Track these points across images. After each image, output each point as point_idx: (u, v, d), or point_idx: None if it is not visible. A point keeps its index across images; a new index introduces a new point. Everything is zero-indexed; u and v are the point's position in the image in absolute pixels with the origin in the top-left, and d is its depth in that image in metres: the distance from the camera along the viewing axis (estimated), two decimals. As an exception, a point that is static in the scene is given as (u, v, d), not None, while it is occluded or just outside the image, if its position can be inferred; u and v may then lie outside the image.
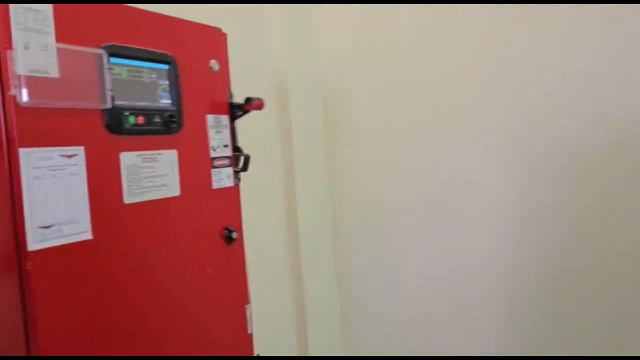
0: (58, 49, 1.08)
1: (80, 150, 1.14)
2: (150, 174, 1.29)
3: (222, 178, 1.52)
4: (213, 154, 1.49)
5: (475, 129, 2.41)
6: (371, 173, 2.75)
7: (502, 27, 2.31)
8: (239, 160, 1.60)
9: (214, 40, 1.52)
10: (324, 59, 2.79)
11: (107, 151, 1.20)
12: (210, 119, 1.48)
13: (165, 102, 1.35)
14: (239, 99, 1.59)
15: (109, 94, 1.18)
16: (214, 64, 1.49)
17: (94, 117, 1.17)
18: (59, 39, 1.09)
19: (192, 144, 1.42)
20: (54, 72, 1.07)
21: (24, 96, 1.02)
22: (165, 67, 1.35)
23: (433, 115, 2.52)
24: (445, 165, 2.51)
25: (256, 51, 2.46)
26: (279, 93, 2.60)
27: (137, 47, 1.27)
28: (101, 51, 1.17)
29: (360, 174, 2.78)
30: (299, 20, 2.69)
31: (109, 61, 1.19)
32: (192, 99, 1.42)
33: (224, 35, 1.55)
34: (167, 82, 1.35)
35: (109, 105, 1.18)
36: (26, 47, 1.02)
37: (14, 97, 1.01)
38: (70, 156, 1.12)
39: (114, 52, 1.21)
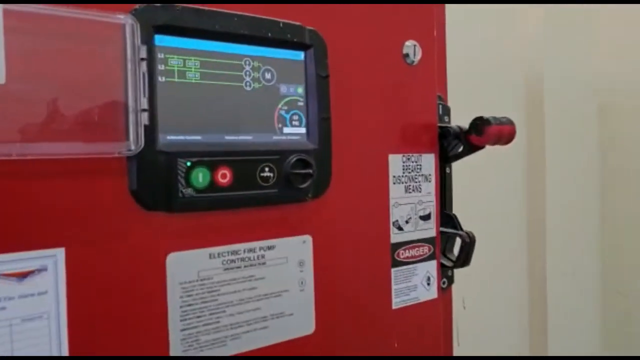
0: (6, 12, 0.43)
1: (52, 260, 0.47)
2: (244, 297, 0.58)
3: (414, 285, 0.73)
4: (397, 236, 0.71)
5: None
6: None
7: None
8: (450, 243, 0.80)
9: (409, 8, 0.74)
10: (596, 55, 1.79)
11: (133, 250, 0.51)
12: (395, 163, 0.71)
13: (293, 132, 0.62)
14: (457, 119, 0.79)
15: (142, 118, 0.49)
16: (411, 48, 0.72)
17: (102, 176, 0.50)
18: (7, -13, 0.43)
19: (348, 220, 0.67)
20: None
21: None
22: (299, 55, 0.62)
23: None
24: None
25: (483, 39, 1.59)
26: (526, 104, 1.70)
27: (228, 12, 0.56)
28: (130, 20, 0.49)
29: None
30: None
31: (151, 42, 0.51)
32: (354, 122, 0.67)
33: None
34: (299, 89, 0.62)
35: (140, 145, 0.49)
36: None
37: None
38: (23, 274, 0.46)
39: (165, 25, 0.52)
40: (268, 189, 0.58)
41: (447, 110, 0.80)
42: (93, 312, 0.49)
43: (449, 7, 0.84)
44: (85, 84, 0.47)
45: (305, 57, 0.62)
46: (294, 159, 0.60)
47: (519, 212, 1.73)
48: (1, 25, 0.44)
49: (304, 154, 0.60)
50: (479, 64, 1.51)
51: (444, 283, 0.80)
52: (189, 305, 0.54)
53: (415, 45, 0.72)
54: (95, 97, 0.48)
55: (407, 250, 0.73)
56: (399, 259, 0.72)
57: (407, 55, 0.71)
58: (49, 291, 0.47)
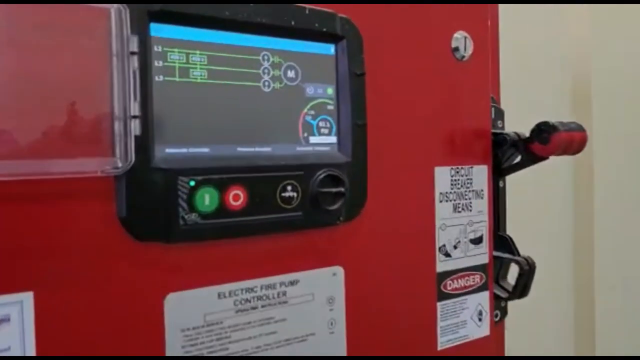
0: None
1: (16, 308, 0.37)
2: (261, 345, 0.47)
3: (462, 321, 0.62)
4: (444, 264, 0.60)
5: None
6: None
7: None
8: (505, 270, 0.68)
9: (464, -15, 0.62)
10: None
11: (122, 292, 0.41)
12: (442, 177, 0.60)
13: (321, 142, 0.51)
14: (512, 124, 0.68)
15: (133, 127, 0.39)
16: (462, 41, 0.60)
17: (83, 200, 0.39)
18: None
19: (387, 246, 0.56)
20: None
21: None
22: (329, 49, 0.51)
23: None
24: None
25: (528, 38, 1.46)
26: (574, 106, 1.56)
27: (242, -7, 0.46)
28: (117, 5, 0.39)
29: None
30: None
31: (145, 32, 0.41)
32: (394, 128, 0.56)
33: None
34: (329, 90, 0.51)
35: (129, 161, 0.39)
36: None
37: None
38: (-21, 327, 0.36)
39: (164, 10, 0.41)
40: (291, 211, 0.48)
41: (500, 114, 0.69)
42: (71, 371, 0.39)
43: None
44: (64, 87, 0.37)
45: (337, 51, 0.51)
46: (323, 174, 0.49)
47: (565, 224, 1.59)
48: (-51, 9, 0.34)
49: (334, 169, 0.50)
50: (525, 64, 1.38)
51: (496, 316, 0.68)
52: (194, 356, 0.44)
53: (466, 38, 0.60)
54: (75, 103, 0.38)
55: (455, 281, 0.61)
56: (445, 291, 0.60)
57: (456, 49, 0.60)
58: (12, 348, 0.37)
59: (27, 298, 0.38)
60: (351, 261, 0.53)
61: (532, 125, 0.62)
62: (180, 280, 0.44)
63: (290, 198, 0.47)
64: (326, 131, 0.51)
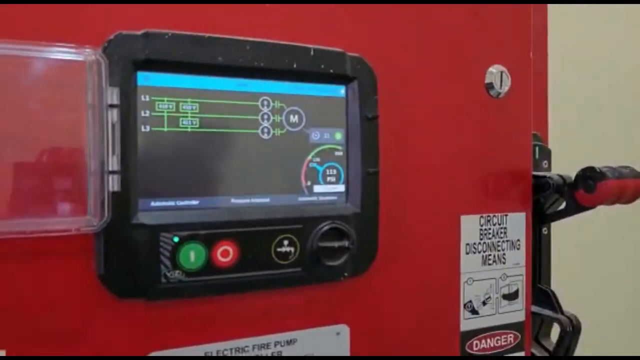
0: None
1: (-15, 367, 0.37)
2: (249, 408, 0.44)
3: (489, 386, 0.56)
4: (469, 322, 0.54)
5: None
6: None
7: None
8: (547, 327, 0.61)
9: (495, 19, 0.56)
10: None
11: (101, 352, 0.40)
12: (469, 226, 0.54)
13: (327, 191, 0.47)
14: (557, 165, 0.61)
15: (111, 182, 0.38)
16: (497, 76, 0.54)
17: (60, 258, 0.38)
18: None
19: (401, 303, 0.51)
20: None
21: None
22: (337, 91, 0.47)
23: None
24: None
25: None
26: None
27: (237, 38, 0.43)
28: (92, 56, 0.37)
29: None
30: None
31: (130, 82, 0.39)
32: (413, 173, 0.51)
33: (528, 10, 0.58)
34: (337, 135, 0.48)
35: (105, 219, 0.38)
36: None
37: None
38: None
39: (150, 59, 0.39)
40: (287, 267, 0.44)
41: (546, 154, 0.62)
42: None
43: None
44: (37, 142, 0.36)
45: (347, 92, 0.48)
46: (325, 227, 0.45)
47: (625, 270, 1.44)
48: None
49: (339, 221, 0.46)
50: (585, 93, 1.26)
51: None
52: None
53: (502, 72, 0.55)
54: (50, 158, 0.37)
55: (483, 341, 0.55)
56: (471, 352, 0.55)
57: (490, 85, 0.54)
58: (-16, 406, 0.37)
59: None
60: (358, 319, 0.49)
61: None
62: (164, 339, 0.42)
63: (287, 253, 0.44)
64: (333, 179, 0.47)
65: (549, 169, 0.62)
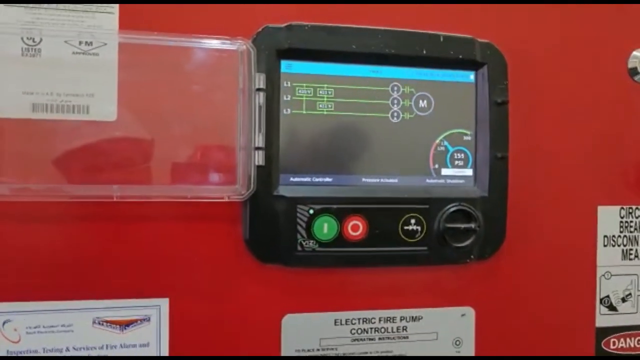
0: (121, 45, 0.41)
1: (155, 310, 0.43)
2: (374, 376, 0.47)
3: (629, 388, 0.52)
4: (606, 319, 0.52)
5: None
6: None
7: None
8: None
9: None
10: None
11: (244, 307, 0.45)
12: (607, 218, 0.52)
13: (455, 174, 0.48)
14: None
15: (256, 157, 0.43)
16: (642, 60, 0.52)
17: (213, 222, 0.44)
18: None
19: (530, 291, 0.50)
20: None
21: None
22: (467, 76, 0.49)
23: None
24: None
25: None
26: None
27: (369, 27, 0.46)
28: (244, 46, 0.43)
29: None
30: None
31: (275, 70, 0.44)
32: (546, 161, 0.50)
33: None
34: (466, 120, 0.49)
35: (251, 189, 0.43)
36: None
37: None
38: (125, 323, 0.43)
39: (291, 48, 0.44)
40: (414, 245, 0.46)
41: (702, 145, 0.57)
42: (195, 373, 0.44)
43: None
44: (197, 120, 0.42)
45: (477, 78, 0.48)
46: (452, 209, 0.47)
47: None
48: (115, 60, 0.41)
49: (466, 204, 0.47)
50: None
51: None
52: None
53: (649, 55, 0.52)
54: (207, 134, 0.43)
55: (622, 339, 0.52)
56: (608, 350, 0.52)
57: (634, 70, 0.52)
58: (151, 344, 0.43)
59: (164, 303, 0.43)
60: (484, 303, 0.49)
61: None
62: (298, 303, 0.46)
63: (414, 232, 0.46)
64: (461, 163, 0.49)
65: None
